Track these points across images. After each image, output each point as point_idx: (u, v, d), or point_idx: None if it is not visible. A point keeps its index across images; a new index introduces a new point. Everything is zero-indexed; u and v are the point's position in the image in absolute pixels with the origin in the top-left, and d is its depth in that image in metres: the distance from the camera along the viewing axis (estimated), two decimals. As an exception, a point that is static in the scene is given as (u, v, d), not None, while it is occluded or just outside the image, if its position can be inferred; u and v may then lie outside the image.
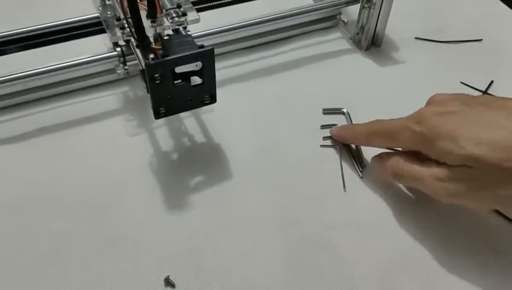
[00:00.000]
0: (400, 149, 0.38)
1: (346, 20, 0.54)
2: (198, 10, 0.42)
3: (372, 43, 0.53)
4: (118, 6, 0.41)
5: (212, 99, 0.38)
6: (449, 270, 0.35)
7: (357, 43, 0.53)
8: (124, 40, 0.42)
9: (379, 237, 0.37)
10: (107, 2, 0.43)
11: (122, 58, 0.44)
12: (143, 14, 0.36)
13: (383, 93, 0.48)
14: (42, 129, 0.44)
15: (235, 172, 0.41)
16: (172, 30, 0.39)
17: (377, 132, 0.38)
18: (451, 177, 0.32)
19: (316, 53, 0.52)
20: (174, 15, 0.39)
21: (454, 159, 0.32)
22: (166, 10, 0.40)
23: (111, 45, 0.44)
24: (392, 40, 0.54)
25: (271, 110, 0.46)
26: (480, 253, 0.36)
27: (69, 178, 0.40)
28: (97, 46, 0.45)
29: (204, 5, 0.48)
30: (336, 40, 0.54)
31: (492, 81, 0.49)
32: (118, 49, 0.43)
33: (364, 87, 0.49)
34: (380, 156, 0.39)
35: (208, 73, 0.36)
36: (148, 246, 0.36)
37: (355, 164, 0.41)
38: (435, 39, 0.54)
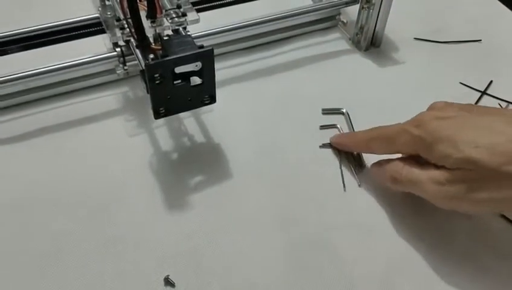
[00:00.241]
0: (399, 156, 0.38)
1: (345, 21, 0.54)
2: (198, 10, 0.42)
3: (371, 43, 0.53)
4: (117, 7, 0.41)
5: (212, 99, 0.39)
6: (449, 271, 0.35)
7: (356, 43, 0.53)
8: (123, 41, 0.42)
9: (379, 237, 0.37)
10: (107, 3, 0.43)
11: (122, 59, 0.44)
12: (143, 14, 0.36)
13: (382, 94, 0.48)
14: (42, 129, 0.44)
15: (235, 172, 0.41)
16: (172, 30, 0.40)
17: (376, 137, 0.38)
18: (450, 180, 0.32)
19: (316, 53, 0.52)
20: (173, 15, 0.39)
21: (453, 162, 0.32)
22: (166, 10, 0.40)
23: (111, 45, 0.44)
24: (392, 40, 0.54)
25: (271, 110, 0.46)
26: (480, 255, 0.37)
27: (69, 178, 0.40)
28: (97, 47, 0.45)
29: (204, 6, 0.48)
30: (335, 41, 0.54)
31: (491, 81, 0.49)
32: (118, 49, 0.43)
33: (363, 87, 0.49)
34: (378, 162, 0.39)
35: (207, 73, 0.36)
36: (148, 246, 0.36)
37: (353, 171, 0.41)
38: (434, 39, 0.54)
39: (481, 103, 0.47)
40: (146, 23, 0.37)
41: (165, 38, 0.38)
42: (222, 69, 0.50)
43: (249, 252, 0.36)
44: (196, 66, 0.35)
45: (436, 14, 0.58)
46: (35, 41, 0.45)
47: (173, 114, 0.38)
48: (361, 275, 0.35)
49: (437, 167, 0.33)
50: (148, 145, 0.43)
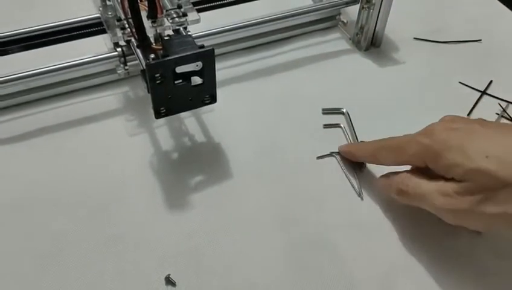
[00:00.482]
0: (407, 168, 0.37)
1: (345, 21, 0.54)
2: (199, 10, 0.42)
3: (371, 43, 0.53)
4: (118, 7, 0.41)
5: (213, 99, 0.39)
6: (449, 271, 0.35)
7: (356, 43, 0.53)
8: (124, 41, 0.42)
9: (379, 237, 0.37)
10: (108, 3, 0.43)
11: (122, 59, 0.44)
12: (143, 14, 0.36)
13: (382, 93, 0.48)
14: (43, 129, 0.44)
15: (235, 172, 0.41)
16: (173, 30, 0.40)
17: (385, 146, 0.37)
18: (459, 192, 0.31)
19: (316, 53, 0.52)
20: (174, 15, 0.40)
21: (463, 172, 0.31)
22: (167, 11, 0.40)
23: (112, 45, 0.44)
24: (392, 40, 0.54)
25: (271, 110, 0.46)
26: (480, 255, 0.37)
27: (70, 178, 0.40)
28: (98, 47, 0.45)
29: (205, 6, 0.48)
30: (335, 41, 0.54)
31: (491, 81, 0.49)
32: (119, 49, 0.43)
33: (363, 87, 0.49)
34: (385, 175, 0.38)
35: (208, 73, 0.37)
36: (149, 246, 0.36)
37: (354, 184, 0.41)
38: (434, 39, 0.54)
39: (481, 103, 0.47)
40: (147, 23, 0.37)
41: (166, 38, 0.39)
42: (222, 69, 0.50)
43: (249, 251, 0.36)
44: (197, 65, 0.36)
45: (436, 14, 0.58)
46: (35, 41, 0.45)
47: (174, 114, 0.38)
48: (361, 274, 0.35)
49: (446, 179, 0.32)
50: (148, 144, 0.43)
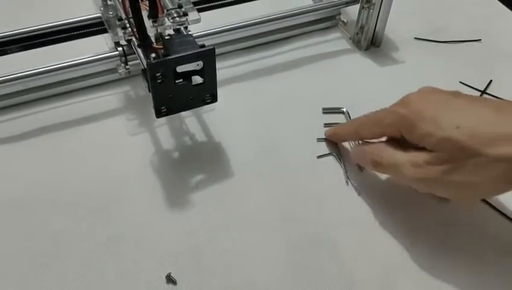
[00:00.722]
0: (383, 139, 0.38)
1: (345, 21, 0.54)
2: (199, 10, 0.42)
3: (371, 43, 0.53)
4: (119, 7, 0.41)
5: (213, 98, 0.39)
6: (449, 270, 0.36)
7: (356, 43, 0.53)
8: (125, 40, 0.42)
9: (379, 236, 0.37)
10: (109, 2, 0.43)
11: (123, 58, 0.44)
12: (144, 14, 0.36)
13: (382, 93, 0.48)
14: (42, 129, 0.44)
15: (236, 171, 0.41)
16: (174, 30, 0.40)
17: (366, 122, 0.39)
18: (428, 162, 0.32)
19: (316, 53, 0.52)
20: (175, 15, 0.40)
21: (433, 141, 0.32)
22: (168, 10, 0.40)
23: (112, 45, 0.44)
24: (392, 40, 0.54)
25: (271, 110, 0.46)
26: (480, 252, 0.37)
27: (70, 178, 0.40)
28: (98, 46, 0.45)
29: (205, 5, 0.48)
30: (335, 40, 0.54)
31: (491, 81, 0.50)
32: (120, 48, 0.43)
33: (363, 86, 0.49)
34: (359, 145, 0.39)
35: (208, 72, 0.37)
36: (149, 245, 0.36)
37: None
38: (434, 39, 0.54)
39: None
40: (148, 22, 0.37)
41: (167, 37, 0.39)
42: (222, 69, 0.50)
43: (250, 250, 0.36)
44: (197, 65, 0.36)
45: (436, 14, 0.58)
46: (35, 41, 0.45)
47: (175, 113, 0.38)
48: (361, 274, 0.35)
49: (417, 149, 0.33)
50: (149, 144, 0.43)
